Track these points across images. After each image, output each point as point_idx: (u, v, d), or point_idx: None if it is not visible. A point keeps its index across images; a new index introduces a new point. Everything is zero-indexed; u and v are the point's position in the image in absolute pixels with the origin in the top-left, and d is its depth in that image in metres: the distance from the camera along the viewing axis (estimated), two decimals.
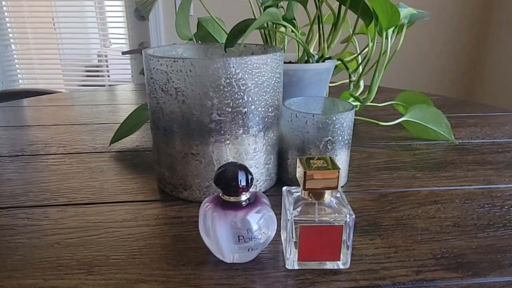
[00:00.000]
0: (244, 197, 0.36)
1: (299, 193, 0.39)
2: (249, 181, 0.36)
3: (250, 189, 0.37)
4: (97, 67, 2.39)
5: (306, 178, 0.36)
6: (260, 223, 0.36)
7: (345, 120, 0.50)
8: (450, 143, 0.71)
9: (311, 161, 0.38)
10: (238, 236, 0.35)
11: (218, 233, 0.35)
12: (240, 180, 0.35)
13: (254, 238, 0.35)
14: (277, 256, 0.40)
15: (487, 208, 0.49)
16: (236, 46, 0.57)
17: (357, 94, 0.69)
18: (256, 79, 0.46)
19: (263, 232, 0.36)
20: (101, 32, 2.27)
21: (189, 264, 0.39)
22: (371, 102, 0.70)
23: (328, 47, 0.63)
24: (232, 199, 0.36)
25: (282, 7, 0.66)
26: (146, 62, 0.48)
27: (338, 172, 0.36)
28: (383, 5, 0.54)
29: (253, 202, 0.37)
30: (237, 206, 0.36)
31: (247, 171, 0.36)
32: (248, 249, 0.36)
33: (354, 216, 0.37)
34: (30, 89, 1.51)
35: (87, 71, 2.39)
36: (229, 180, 0.35)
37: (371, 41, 0.66)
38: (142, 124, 0.67)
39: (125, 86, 1.31)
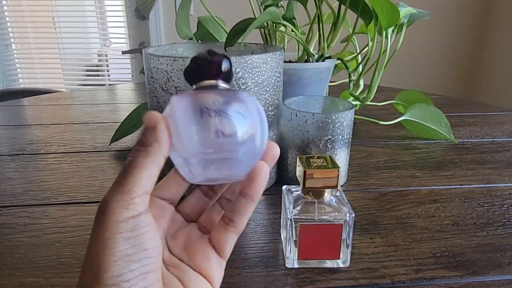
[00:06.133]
0: (221, 83, 0.27)
1: (299, 192, 0.39)
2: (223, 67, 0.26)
3: (225, 81, 0.27)
4: (97, 66, 2.39)
5: (306, 177, 0.36)
6: (237, 108, 0.25)
7: (345, 119, 0.50)
8: (449, 142, 0.72)
9: (311, 160, 0.38)
10: (201, 109, 0.24)
11: (174, 108, 0.25)
12: (213, 59, 0.26)
13: (223, 112, 0.25)
14: (277, 255, 0.40)
15: (486, 207, 0.49)
16: (236, 45, 0.57)
17: (357, 93, 0.69)
18: (256, 78, 0.46)
19: (238, 114, 0.25)
20: (101, 31, 2.27)
21: None
22: (371, 101, 0.70)
23: (328, 46, 0.63)
24: (204, 83, 0.26)
25: (282, 6, 0.66)
26: (146, 61, 0.48)
27: (338, 171, 0.36)
28: (383, 4, 0.54)
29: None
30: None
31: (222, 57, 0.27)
32: (217, 133, 0.24)
33: (353, 214, 0.37)
34: (30, 89, 1.51)
35: (87, 70, 2.40)
36: (202, 60, 0.26)
37: (371, 40, 0.66)
38: (142, 123, 0.67)
39: (125, 85, 1.31)
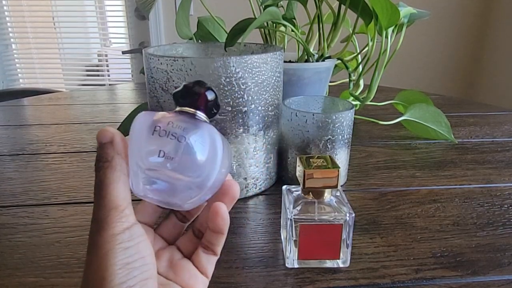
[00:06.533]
0: (200, 114, 0.27)
1: (299, 192, 0.39)
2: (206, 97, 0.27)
3: (205, 114, 0.28)
4: (97, 66, 2.39)
5: (306, 177, 0.36)
6: (192, 133, 0.26)
7: (345, 119, 0.50)
8: (449, 142, 0.72)
9: (311, 160, 0.38)
10: (155, 127, 0.25)
11: (134, 122, 0.26)
12: (197, 91, 0.27)
13: (173, 134, 0.25)
14: (277, 255, 0.40)
15: (486, 207, 0.49)
16: (236, 45, 0.57)
17: (357, 93, 0.69)
18: (256, 78, 0.46)
19: (185, 137, 0.25)
20: (101, 31, 2.27)
21: None
22: (371, 101, 0.70)
23: (328, 46, 0.63)
24: (182, 109, 0.27)
25: (282, 6, 0.66)
26: (146, 61, 0.48)
27: (338, 171, 0.36)
28: (383, 4, 0.54)
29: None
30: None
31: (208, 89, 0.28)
32: (160, 153, 0.25)
33: (353, 214, 0.37)
34: (30, 89, 1.51)
35: (87, 70, 2.40)
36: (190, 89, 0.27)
37: (371, 40, 0.66)
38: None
39: (125, 85, 1.31)
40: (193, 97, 0.27)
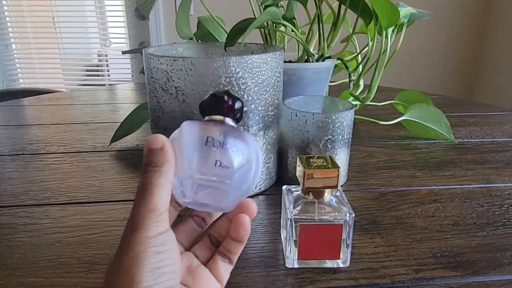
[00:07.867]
0: (229, 121, 0.30)
1: (299, 192, 0.39)
2: (235, 104, 0.30)
3: (233, 120, 0.30)
4: (97, 66, 2.39)
5: (306, 177, 0.36)
6: (234, 141, 0.28)
7: (345, 119, 0.50)
8: (449, 142, 0.72)
9: (311, 160, 0.38)
10: (207, 138, 0.27)
11: (182, 132, 0.28)
12: (228, 99, 0.29)
13: (225, 145, 0.27)
14: (277, 255, 0.40)
15: (486, 207, 0.49)
16: (236, 45, 0.57)
17: (357, 93, 0.69)
18: (256, 78, 0.46)
19: (237, 151, 0.28)
20: (101, 31, 2.27)
21: None
22: (371, 101, 0.70)
23: (328, 46, 0.63)
24: (213, 117, 0.29)
25: (282, 6, 0.66)
26: (146, 61, 0.48)
27: (338, 171, 0.36)
28: (383, 4, 0.54)
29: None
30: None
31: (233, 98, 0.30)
32: (216, 163, 0.27)
33: (353, 214, 0.37)
34: (30, 89, 1.51)
35: (87, 70, 2.39)
36: (216, 97, 0.29)
37: (371, 40, 0.66)
38: (142, 123, 0.67)
39: (125, 85, 1.31)
40: (222, 106, 0.29)
